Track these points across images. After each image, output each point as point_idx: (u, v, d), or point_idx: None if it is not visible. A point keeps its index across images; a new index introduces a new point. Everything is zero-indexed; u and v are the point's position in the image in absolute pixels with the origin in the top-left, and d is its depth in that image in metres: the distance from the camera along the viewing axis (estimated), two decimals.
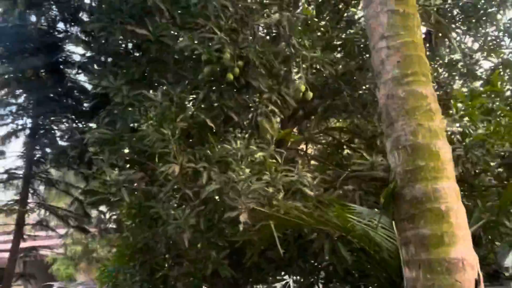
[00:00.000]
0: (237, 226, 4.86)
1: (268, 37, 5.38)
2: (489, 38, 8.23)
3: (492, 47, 8.33)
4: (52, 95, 8.71)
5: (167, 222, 4.97)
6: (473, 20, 7.67)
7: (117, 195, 5.37)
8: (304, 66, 5.07)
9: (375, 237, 4.29)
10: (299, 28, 4.94)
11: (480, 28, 8.09)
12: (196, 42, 4.86)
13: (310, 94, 5.25)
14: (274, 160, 5.06)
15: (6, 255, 10.40)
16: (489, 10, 7.63)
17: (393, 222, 3.78)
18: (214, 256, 5.44)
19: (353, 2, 8.00)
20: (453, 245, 3.00)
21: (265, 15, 5.09)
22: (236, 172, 4.79)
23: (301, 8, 6.22)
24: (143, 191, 5.66)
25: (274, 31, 5.22)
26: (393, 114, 3.48)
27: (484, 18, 7.78)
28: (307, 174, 4.82)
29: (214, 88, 5.33)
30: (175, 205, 5.33)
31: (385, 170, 6.17)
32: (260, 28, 5.50)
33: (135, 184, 5.63)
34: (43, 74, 8.78)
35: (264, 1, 5.28)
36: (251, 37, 4.99)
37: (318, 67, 5.63)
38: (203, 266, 5.52)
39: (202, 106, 5.26)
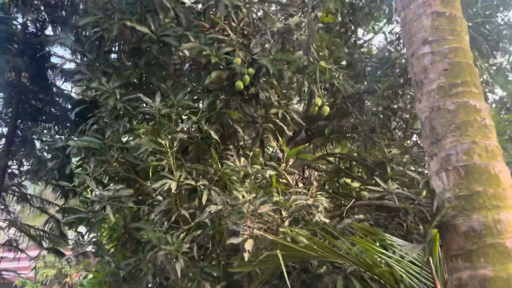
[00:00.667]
0: (238, 255, 4.22)
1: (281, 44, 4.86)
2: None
3: (501, 78, 8.09)
4: (33, 101, 8.01)
5: (158, 247, 4.29)
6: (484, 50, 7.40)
7: (100, 214, 4.72)
8: (319, 77, 4.57)
9: (397, 272, 3.69)
10: (319, 36, 4.45)
11: (491, 58, 7.86)
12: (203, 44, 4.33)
13: (327, 109, 4.72)
14: (284, 181, 4.47)
15: None
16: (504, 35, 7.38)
17: (430, 258, 3.25)
18: None
19: (362, 23, 7.73)
20: None
21: (281, 19, 4.61)
22: (240, 193, 4.20)
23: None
24: (131, 210, 4.99)
25: (287, 37, 4.71)
26: (439, 130, 2.97)
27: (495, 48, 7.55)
28: (322, 199, 4.23)
29: (218, 97, 4.78)
30: (166, 228, 4.68)
31: (400, 199, 5.68)
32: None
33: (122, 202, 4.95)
34: (26, 77, 8.08)
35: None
36: (266, 43, 4.49)
37: (333, 82, 5.13)
38: None
39: (205, 116, 4.68)
